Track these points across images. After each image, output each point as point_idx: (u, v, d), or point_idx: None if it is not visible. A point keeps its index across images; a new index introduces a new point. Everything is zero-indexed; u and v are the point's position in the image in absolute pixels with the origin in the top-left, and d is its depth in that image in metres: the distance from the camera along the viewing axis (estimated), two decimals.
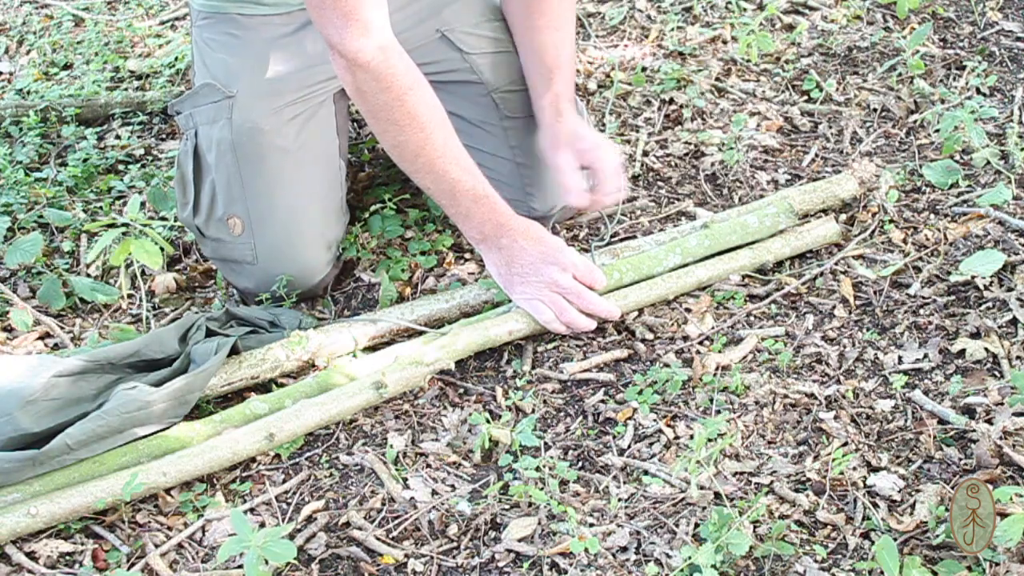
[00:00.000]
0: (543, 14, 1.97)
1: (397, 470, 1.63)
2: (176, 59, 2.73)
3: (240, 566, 1.46)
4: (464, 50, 2.01)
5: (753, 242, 1.96)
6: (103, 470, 1.59)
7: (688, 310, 1.87)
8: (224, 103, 1.91)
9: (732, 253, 1.94)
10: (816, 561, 1.42)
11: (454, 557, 1.49)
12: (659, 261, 1.91)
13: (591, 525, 1.50)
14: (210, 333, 1.77)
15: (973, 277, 1.82)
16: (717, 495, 1.52)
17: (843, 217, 2.04)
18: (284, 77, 1.91)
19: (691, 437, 1.62)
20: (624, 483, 1.57)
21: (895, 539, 1.41)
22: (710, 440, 1.56)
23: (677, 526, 1.48)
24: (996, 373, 1.68)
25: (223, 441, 1.63)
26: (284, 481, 1.63)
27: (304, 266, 1.92)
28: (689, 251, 1.92)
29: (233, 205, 1.91)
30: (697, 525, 1.48)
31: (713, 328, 1.83)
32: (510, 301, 1.84)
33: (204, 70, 1.96)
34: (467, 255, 2.04)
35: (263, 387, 1.78)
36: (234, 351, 1.76)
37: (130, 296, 2.01)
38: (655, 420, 1.67)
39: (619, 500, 1.54)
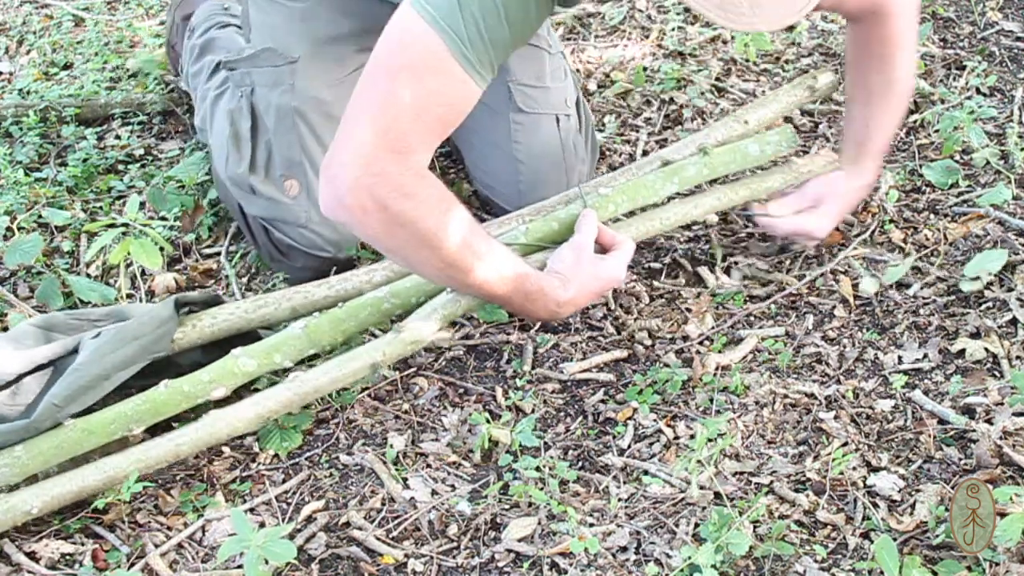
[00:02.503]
0: (863, 86, 1.92)
1: (397, 470, 1.63)
2: None
3: (240, 566, 1.46)
4: None
5: (754, 168, 1.94)
6: (93, 440, 1.56)
7: (688, 310, 1.88)
8: (285, 68, 1.92)
9: (730, 190, 1.91)
10: (816, 561, 1.42)
11: (454, 557, 1.49)
12: (655, 190, 1.84)
13: (591, 525, 1.50)
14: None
15: (976, 278, 1.82)
16: (717, 495, 1.52)
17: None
18: (345, 46, 1.92)
19: (691, 437, 1.62)
20: (624, 483, 1.57)
21: (895, 539, 1.41)
22: (710, 440, 1.56)
23: (677, 526, 1.48)
24: (996, 373, 1.68)
25: (218, 419, 1.61)
26: (284, 481, 1.63)
27: (349, 232, 1.92)
28: (687, 179, 1.85)
29: (292, 168, 1.93)
30: (697, 525, 1.48)
31: (713, 328, 1.83)
32: None
33: (264, 30, 1.96)
34: None
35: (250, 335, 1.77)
36: (217, 301, 1.76)
37: (130, 296, 2.01)
38: (655, 420, 1.67)
39: (619, 500, 1.54)
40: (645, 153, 2.27)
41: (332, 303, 1.77)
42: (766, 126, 2.01)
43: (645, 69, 2.50)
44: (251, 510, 1.58)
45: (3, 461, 1.53)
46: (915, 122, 2.27)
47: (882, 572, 1.35)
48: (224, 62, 2.03)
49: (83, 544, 1.53)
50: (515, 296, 1.67)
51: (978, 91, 2.33)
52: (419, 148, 1.56)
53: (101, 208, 2.22)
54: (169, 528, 1.56)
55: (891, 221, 2.00)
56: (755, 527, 1.46)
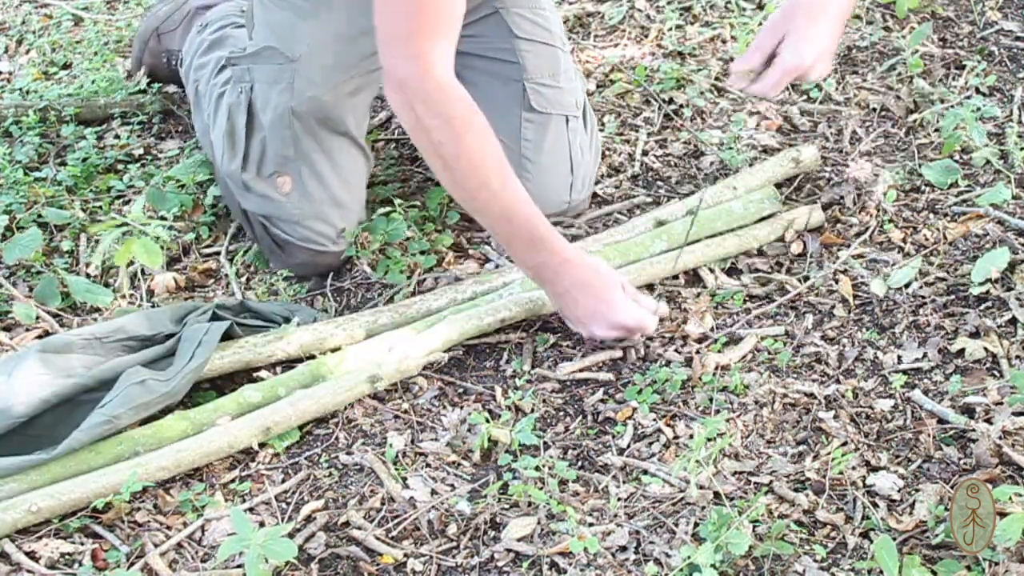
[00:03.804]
0: None
1: (397, 470, 1.63)
2: None
3: (240, 565, 1.46)
4: (515, 32, 2.01)
5: (739, 227, 1.99)
6: (100, 460, 1.60)
7: (688, 310, 1.87)
8: (286, 67, 1.93)
9: (719, 239, 1.97)
10: (816, 561, 1.42)
11: (453, 557, 1.49)
12: (645, 247, 1.94)
13: (590, 525, 1.50)
14: (216, 319, 1.78)
15: (985, 281, 1.82)
16: (716, 495, 1.52)
17: (843, 216, 2.04)
18: (345, 48, 1.92)
19: (691, 437, 1.62)
20: (623, 483, 1.57)
21: (894, 539, 1.41)
22: (709, 440, 1.56)
23: (676, 526, 1.48)
24: (995, 373, 1.68)
25: (219, 433, 1.64)
26: (283, 481, 1.63)
27: (340, 232, 1.98)
28: (676, 236, 1.94)
29: (286, 164, 1.95)
30: (696, 525, 1.48)
31: (713, 328, 1.83)
32: (503, 287, 1.88)
33: (266, 28, 1.97)
34: (469, 252, 2.05)
35: (256, 371, 1.78)
36: (228, 336, 1.77)
37: (130, 296, 2.00)
38: (655, 420, 1.67)
39: (618, 500, 1.54)
40: (645, 153, 2.27)
41: (340, 341, 1.81)
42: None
43: (645, 69, 2.50)
44: (250, 510, 1.58)
45: (14, 476, 1.57)
46: (915, 122, 2.27)
47: (882, 572, 1.35)
48: (227, 57, 2.04)
49: (82, 544, 1.53)
50: (518, 235, 1.72)
51: (978, 91, 2.32)
52: (439, 55, 1.65)
53: (101, 208, 2.22)
54: (168, 528, 1.56)
55: (890, 221, 2.00)
56: (754, 527, 1.46)
